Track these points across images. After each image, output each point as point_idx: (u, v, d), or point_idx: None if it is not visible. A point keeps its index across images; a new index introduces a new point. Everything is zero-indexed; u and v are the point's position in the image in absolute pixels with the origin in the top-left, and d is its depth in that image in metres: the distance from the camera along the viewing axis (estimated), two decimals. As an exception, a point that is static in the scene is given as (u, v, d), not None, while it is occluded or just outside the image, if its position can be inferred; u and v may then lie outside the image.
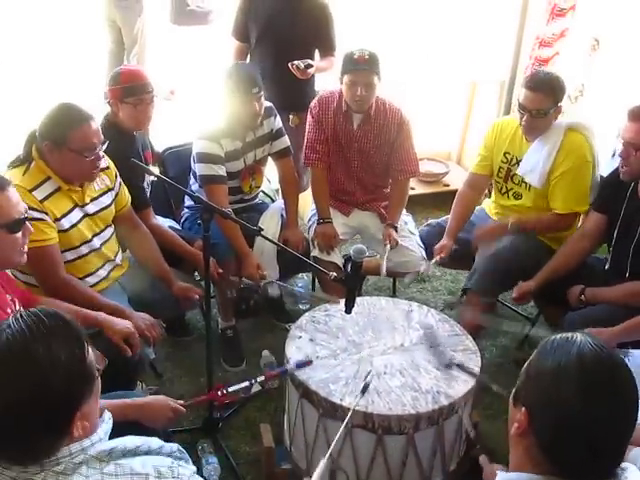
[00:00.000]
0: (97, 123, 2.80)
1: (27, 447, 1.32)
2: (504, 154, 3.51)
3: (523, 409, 1.41)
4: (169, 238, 3.33)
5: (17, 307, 2.34)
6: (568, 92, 5.07)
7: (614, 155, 3.48)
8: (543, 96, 3.20)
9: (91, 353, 1.42)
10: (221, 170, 3.39)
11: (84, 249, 2.89)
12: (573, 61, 5.06)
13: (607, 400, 1.33)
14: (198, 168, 3.42)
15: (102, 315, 2.61)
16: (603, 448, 1.34)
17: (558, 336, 1.44)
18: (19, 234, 2.22)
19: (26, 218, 2.26)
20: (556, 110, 3.27)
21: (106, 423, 1.47)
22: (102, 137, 2.80)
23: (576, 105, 5.07)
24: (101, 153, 2.79)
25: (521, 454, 1.43)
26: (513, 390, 1.50)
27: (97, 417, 1.46)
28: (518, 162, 3.44)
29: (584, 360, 1.35)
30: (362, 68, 3.42)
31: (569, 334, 1.43)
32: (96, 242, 2.94)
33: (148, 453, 1.46)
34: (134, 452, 1.43)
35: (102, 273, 2.99)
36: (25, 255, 2.30)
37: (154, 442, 1.51)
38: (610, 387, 1.34)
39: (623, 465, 1.41)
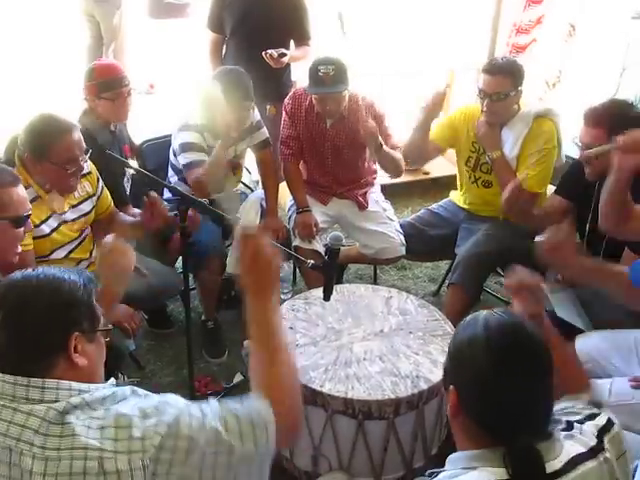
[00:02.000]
0: (79, 133, 2.76)
1: (26, 348, 1.42)
2: (472, 144, 3.52)
3: (451, 387, 1.49)
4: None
5: None
6: (545, 78, 5.14)
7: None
8: (501, 79, 3.22)
9: (97, 304, 1.56)
10: (205, 157, 3.37)
11: (58, 254, 2.86)
12: (550, 47, 5.09)
13: (514, 358, 1.42)
14: (182, 158, 3.39)
15: None
16: (524, 407, 1.41)
17: (469, 316, 1.55)
18: (21, 230, 2.27)
19: (29, 215, 2.30)
20: (516, 94, 3.28)
21: (108, 388, 1.49)
22: (84, 146, 2.77)
23: (554, 91, 5.11)
24: (83, 163, 2.77)
25: (461, 434, 1.49)
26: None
27: (98, 369, 1.55)
28: (485, 152, 3.45)
29: (489, 327, 1.47)
30: (328, 90, 3.39)
31: (477, 312, 1.55)
32: (70, 247, 2.92)
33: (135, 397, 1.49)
34: (124, 397, 1.47)
35: (82, 265, 2.98)
36: (17, 257, 2.32)
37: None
38: (516, 346, 1.44)
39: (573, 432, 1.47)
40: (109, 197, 3.10)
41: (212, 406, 1.47)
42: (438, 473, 1.46)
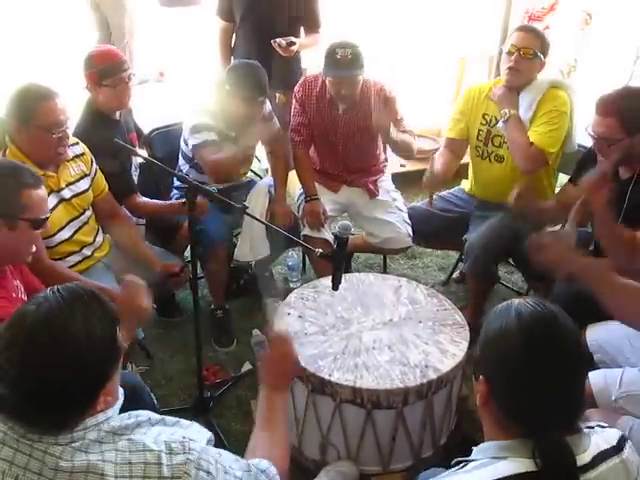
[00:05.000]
0: (62, 100, 2.74)
1: (54, 417, 1.34)
2: (483, 116, 3.50)
3: (481, 378, 1.47)
4: (153, 207, 3.36)
5: (22, 295, 2.33)
6: (560, 67, 5.10)
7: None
8: (534, 37, 3.31)
9: (119, 332, 1.45)
10: (216, 137, 3.35)
11: (61, 235, 2.87)
12: (565, 35, 5.05)
13: (548, 350, 1.39)
14: (193, 139, 3.36)
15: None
16: (557, 400, 1.39)
17: (499, 305, 1.52)
18: (38, 232, 2.27)
19: (47, 218, 2.29)
20: (541, 63, 3.32)
21: (119, 399, 1.48)
22: (68, 116, 2.77)
23: (569, 80, 5.06)
24: (69, 132, 2.78)
25: (490, 423, 1.48)
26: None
27: (118, 391, 1.48)
28: (497, 122, 3.43)
29: (522, 317, 1.44)
30: (344, 73, 3.37)
31: (509, 300, 1.52)
32: (72, 227, 2.92)
33: (157, 423, 1.47)
34: (147, 423, 1.45)
35: (86, 252, 2.99)
36: (31, 257, 2.32)
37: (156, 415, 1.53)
38: (549, 338, 1.41)
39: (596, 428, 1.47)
40: (103, 180, 3.09)
41: (229, 456, 1.52)
42: (466, 462, 1.45)
